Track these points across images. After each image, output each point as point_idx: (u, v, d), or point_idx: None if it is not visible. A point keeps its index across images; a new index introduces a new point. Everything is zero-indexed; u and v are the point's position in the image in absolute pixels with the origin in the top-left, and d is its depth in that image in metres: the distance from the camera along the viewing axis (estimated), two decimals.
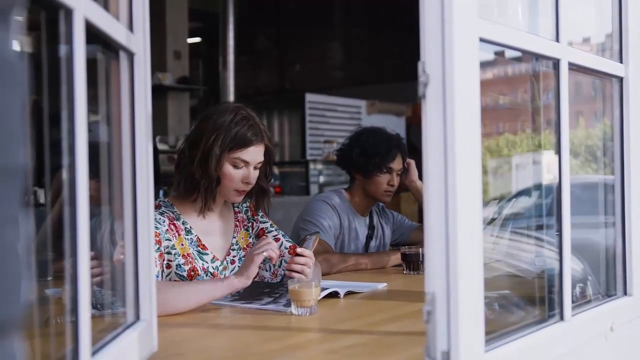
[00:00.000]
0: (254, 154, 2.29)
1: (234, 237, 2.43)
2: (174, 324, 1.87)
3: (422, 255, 2.76)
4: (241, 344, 1.70)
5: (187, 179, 2.28)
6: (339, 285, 2.27)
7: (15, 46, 0.62)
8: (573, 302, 1.63)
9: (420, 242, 3.06)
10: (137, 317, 1.44)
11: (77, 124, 1.05)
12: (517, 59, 1.80)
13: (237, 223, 2.46)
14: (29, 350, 0.74)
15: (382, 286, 2.45)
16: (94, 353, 1.13)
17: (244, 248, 2.44)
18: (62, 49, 1.06)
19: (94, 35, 1.16)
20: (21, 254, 0.63)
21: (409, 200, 6.95)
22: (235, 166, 2.27)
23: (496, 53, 1.55)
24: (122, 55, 1.39)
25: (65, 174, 1.05)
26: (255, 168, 2.31)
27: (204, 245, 2.32)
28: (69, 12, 1.03)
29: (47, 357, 1.17)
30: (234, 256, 2.40)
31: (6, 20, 0.60)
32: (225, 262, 2.36)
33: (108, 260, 1.57)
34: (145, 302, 1.45)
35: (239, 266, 2.37)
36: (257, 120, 2.31)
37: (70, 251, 1.05)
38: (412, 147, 3.43)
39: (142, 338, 1.41)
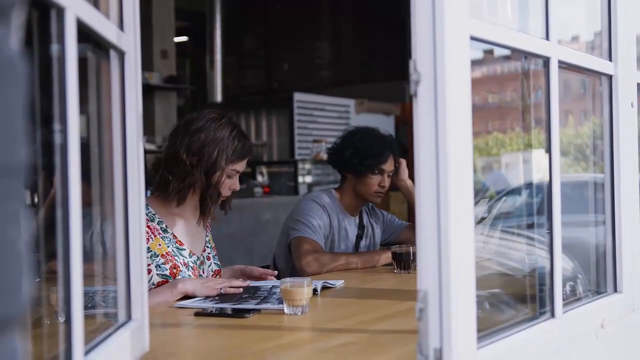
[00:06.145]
0: (245, 164, 2.47)
1: (207, 236, 2.57)
2: (166, 324, 1.86)
3: (413, 254, 2.76)
4: (233, 344, 1.70)
5: (187, 187, 2.37)
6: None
7: (16, 45, 0.62)
8: (564, 299, 1.63)
9: (410, 241, 3.06)
10: (129, 317, 1.43)
11: (69, 124, 1.04)
12: (506, 57, 1.80)
13: (208, 225, 2.59)
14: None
15: (339, 283, 2.46)
16: (86, 353, 1.13)
17: (213, 247, 2.59)
18: (54, 48, 1.05)
19: (84, 34, 1.15)
20: (23, 252, 0.63)
21: (397, 200, 6.97)
22: (229, 176, 2.41)
23: (485, 51, 1.55)
24: (113, 55, 1.39)
25: (57, 175, 1.05)
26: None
27: (180, 241, 2.42)
28: (60, 11, 1.03)
29: (39, 357, 1.17)
30: (208, 253, 2.54)
31: (7, 19, 0.60)
32: (202, 257, 2.49)
33: (99, 260, 1.56)
34: (136, 302, 1.44)
35: (214, 262, 2.54)
36: (246, 133, 2.50)
37: (63, 251, 1.04)
38: (401, 147, 3.42)
39: (134, 338, 1.40)
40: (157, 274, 2.29)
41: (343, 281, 2.49)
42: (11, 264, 0.61)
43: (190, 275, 2.36)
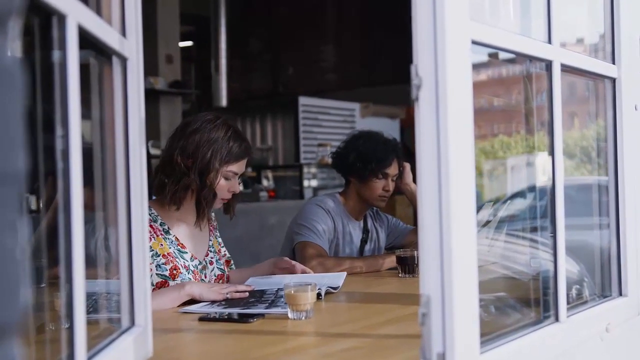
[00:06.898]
0: (243, 166, 2.45)
1: (210, 240, 2.56)
2: (169, 330, 1.86)
3: (417, 258, 2.76)
4: (237, 349, 1.70)
5: (183, 189, 2.36)
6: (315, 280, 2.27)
7: (14, 52, 0.63)
8: (569, 303, 1.63)
9: (415, 245, 3.06)
10: (132, 323, 1.43)
11: (70, 129, 1.05)
12: (511, 61, 1.80)
13: (211, 228, 2.59)
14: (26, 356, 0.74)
15: (343, 276, 2.51)
16: (89, 358, 1.13)
17: (217, 251, 2.57)
18: (55, 55, 1.05)
19: (86, 40, 1.15)
20: (20, 259, 0.63)
21: (403, 203, 6.96)
22: (226, 178, 2.40)
23: (490, 55, 1.55)
24: (115, 61, 1.39)
25: (59, 180, 1.05)
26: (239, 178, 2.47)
27: (182, 244, 2.42)
28: (62, 18, 1.03)
29: None
30: (211, 257, 2.53)
31: (4, 27, 0.61)
32: (204, 262, 2.48)
33: (102, 266, 1.57)
34: (140, 307, 1.44)
35: (217, 267, 2.52)
36: (244, 135, 2.48)
37: (65, 257, 1.05)
38: (406, 150, 3.42)
39: (137, 343, 1.40)
40: (156, 274, 2.30)
41: (345, 273, 2.54)
42: (8, 272, 0.61)
43: (190, 279, 2.36)
